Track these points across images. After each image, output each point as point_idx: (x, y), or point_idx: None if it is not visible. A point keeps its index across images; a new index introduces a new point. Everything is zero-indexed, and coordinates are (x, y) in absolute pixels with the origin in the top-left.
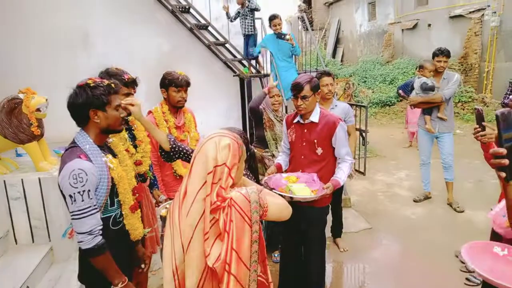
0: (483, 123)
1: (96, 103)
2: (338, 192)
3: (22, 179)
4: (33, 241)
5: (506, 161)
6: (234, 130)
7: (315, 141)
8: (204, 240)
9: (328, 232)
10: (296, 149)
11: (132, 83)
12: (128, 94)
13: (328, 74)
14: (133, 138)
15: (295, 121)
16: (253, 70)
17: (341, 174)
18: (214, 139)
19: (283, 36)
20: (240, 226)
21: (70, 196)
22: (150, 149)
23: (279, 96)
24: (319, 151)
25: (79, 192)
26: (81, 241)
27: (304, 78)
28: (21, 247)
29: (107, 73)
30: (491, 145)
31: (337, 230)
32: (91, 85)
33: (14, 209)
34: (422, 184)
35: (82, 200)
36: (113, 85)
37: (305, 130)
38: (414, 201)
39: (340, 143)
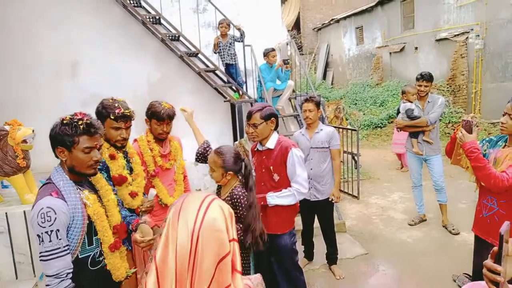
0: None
1: (60, 141)
2: (327, 216)
3: (6, 213)
4: (16, 277)
5: (501, 279)
6: (226, 147)
7: (271, 167)
8: None
9: (323, 259)
10: (258, 176)
11: (120, 118)
12: (117, 128)
13: (309, 100)
14: (130, 170)
15: (255, 148)
16: (245, 96)
17: (277, 194)
18: (217, 203)
19: (286, 62)
20: None
21: (38, 236)
22: (144, 184)
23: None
24: (276, 177)
25: (46, 232)
26: (48, 285)
27: (256, 106)
28: (4, 284)
29: (101, 103)
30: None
31: (332, 256)
32: (65, 121)
33: None
34: (416, 207)
35: (50, 241)
36: (81, 126)
37: (264, 157)
38: (409, 224)
39: (291, 170)
